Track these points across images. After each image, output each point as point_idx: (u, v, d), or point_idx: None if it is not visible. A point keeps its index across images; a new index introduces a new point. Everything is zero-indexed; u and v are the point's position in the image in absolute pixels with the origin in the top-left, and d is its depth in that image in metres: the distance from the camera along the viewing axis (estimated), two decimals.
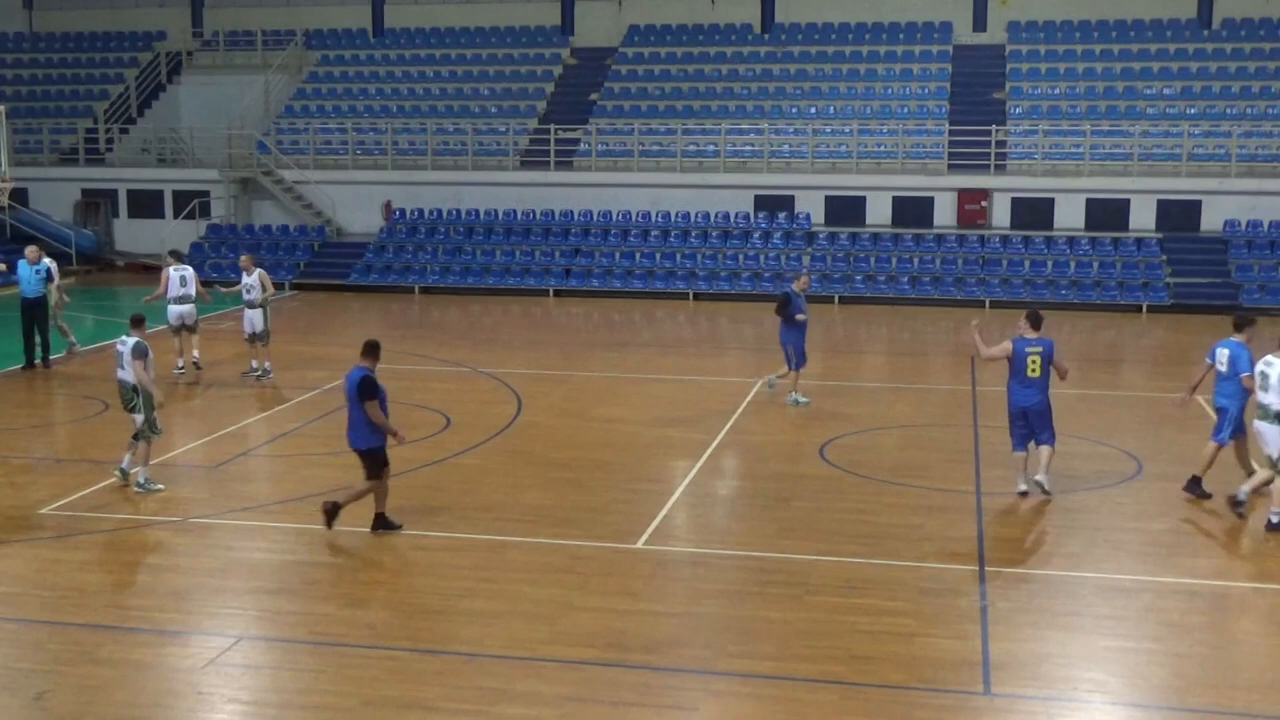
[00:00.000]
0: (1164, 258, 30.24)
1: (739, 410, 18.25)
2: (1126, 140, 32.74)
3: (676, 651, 9.85)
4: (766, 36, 38.55)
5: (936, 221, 32.55)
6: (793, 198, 33.16)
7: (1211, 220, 31.29)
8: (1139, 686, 9.35)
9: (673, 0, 39.25)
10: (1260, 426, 12.88)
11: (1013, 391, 13.84)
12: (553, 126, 35.37)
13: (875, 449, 16.28)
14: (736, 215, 32.99)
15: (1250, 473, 13.51)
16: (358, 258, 33.34)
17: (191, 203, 35.94)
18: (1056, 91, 34.92)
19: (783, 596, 10.98)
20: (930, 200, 32.69)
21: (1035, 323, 13.89)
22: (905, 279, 30.87)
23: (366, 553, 12.19)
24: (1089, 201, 31.92)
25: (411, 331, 26.56)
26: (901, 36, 37.67)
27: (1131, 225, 31.67)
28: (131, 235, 36.91)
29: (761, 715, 8.91)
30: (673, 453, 16.00)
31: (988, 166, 32.71)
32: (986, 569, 11.65)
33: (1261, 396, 12.85)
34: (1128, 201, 31.79)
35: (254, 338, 20.45)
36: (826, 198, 33.09)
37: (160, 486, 13.99)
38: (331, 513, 12.56)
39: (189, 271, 20.88)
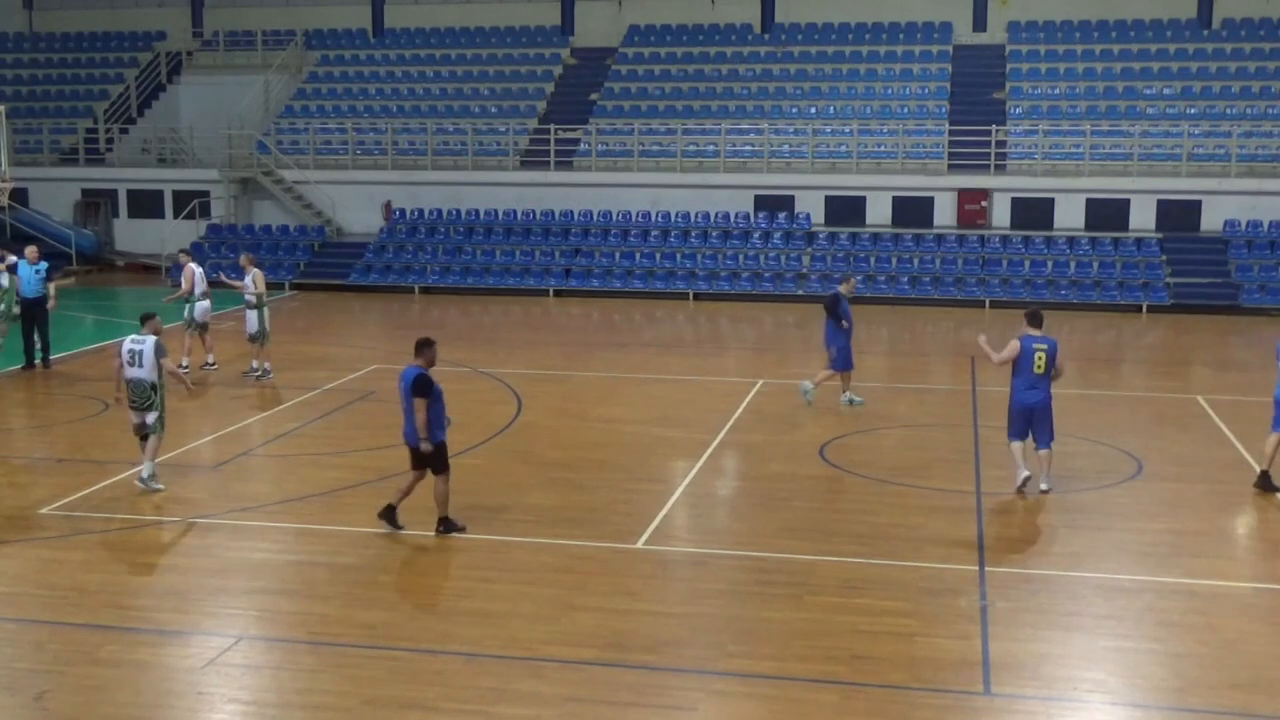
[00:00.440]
0: (1164, 258, 30.24)
1: (739, 410, 18.25)
2: (1126, 140, 32.75)
3: (676, 651, 9.85)
4: (766, 36, 38.55)
5: (936, 221, 32.55)
6: (793, 198, 33.17)
7: (1211, 220, 31.30)
8: (1139, 686, 9.35)
9: (673, 0, 39.26)
10: None
11: (1017, 390, 13.84)
12: (553, 126, 35.38)
13: (875, 449, 16.28)
14: (736, 215, 32.99)
15: None
16: (358, 258, 33.35)
17: (191, 203, 35.95)
18: (1056, 91, 34.92)
19: (783, 596, 10.98)
20: (930, 200, 32.70)
21: (1036, 321, 13.93)
22: (905, 279, 30.87)
23: (367, 553, 12.19)
24: (1089, 201, 31.94)
25: (411, 331, 26.27)
26: (901, 36, 37.67)
27: (1131, 225, 31.67)
28: (131, 235, 36.94)
29: (761, 715, 8.91)
30: (673, 453, 16.00)
31: (988, 166, 32.72)
32: (986, 569, 11.64)
33: None
34: (1128, 201, 31.79)
35: (252, 338, 20.52)
36: (826, 198, 33.10)
37: (161, 486, 14.00)
38: (447, 528, 12.58)
39: (200, 270, 21.22)
